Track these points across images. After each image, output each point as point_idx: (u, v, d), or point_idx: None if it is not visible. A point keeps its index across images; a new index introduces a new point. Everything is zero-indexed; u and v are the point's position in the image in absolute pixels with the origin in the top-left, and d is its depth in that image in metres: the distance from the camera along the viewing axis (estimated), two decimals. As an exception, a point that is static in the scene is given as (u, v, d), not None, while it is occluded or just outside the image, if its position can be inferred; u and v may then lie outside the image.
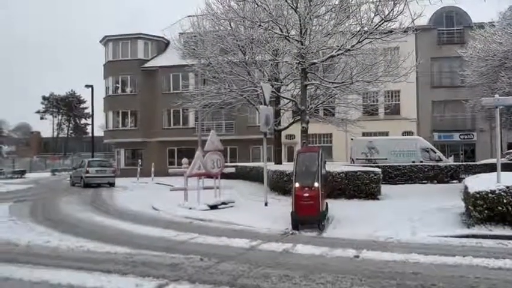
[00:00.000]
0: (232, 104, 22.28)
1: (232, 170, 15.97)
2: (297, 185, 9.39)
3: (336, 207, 12.31)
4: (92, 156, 38.70)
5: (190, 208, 12.90)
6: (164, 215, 12.66)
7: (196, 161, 13.19)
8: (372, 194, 14.47)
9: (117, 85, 38.57)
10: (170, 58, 35.98)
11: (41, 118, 72.26)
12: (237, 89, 19.94)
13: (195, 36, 22.53)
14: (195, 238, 8.85)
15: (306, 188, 9.30)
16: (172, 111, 36.13)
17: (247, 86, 19.77)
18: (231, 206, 13.18)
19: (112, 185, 25.90)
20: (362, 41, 15.29)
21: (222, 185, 14.11)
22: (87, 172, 25.56)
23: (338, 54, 15.98)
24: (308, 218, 9.30)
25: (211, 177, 13.91)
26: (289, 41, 15.89)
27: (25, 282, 5.90)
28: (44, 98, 71.31)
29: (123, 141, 38.11)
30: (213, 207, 12.69)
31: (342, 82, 17.07)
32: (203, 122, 28.62)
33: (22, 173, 44.61)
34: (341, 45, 15.34)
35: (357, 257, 6.97)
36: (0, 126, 71.66)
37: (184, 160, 14.91)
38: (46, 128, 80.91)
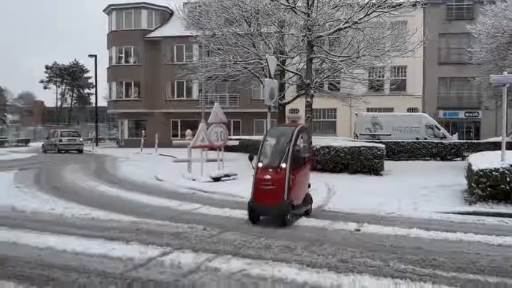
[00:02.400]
0: (237, 76, 22.07)
1: (236, 143, 16.01)
2: (259, 165, 7.53)
3: (339, 181, 12.40)
4: (96, 127, 39.20)
5: (194, 179, 12.99)
6: (168, 185, 12.77)
7: (200, 133, 13.19)
8: (375, 170, 14.50)
9: (120, 55, 38.22)
10: (174, 29, 35.37)
11: (45, 88, 72.00)
12: (242, 61, 19.71)
13: (199, 6, 22.13)
14: (198, 209, 8.94)
15: (270, 170, 7.36)
16: (175, 82, 35.84)
17: (252, 58, 19.53)
18: (234, 179, 13.26)
19: (80, 152, 30.22)
20: (369, 14, 15.00)
21: (225, 157, 14.16)
22: (60, 141, 30.21)
23: (345, 28, 15.71)
24: (268, 207, 7.37)
25: (215, 150, 13.96)
26: (295, 12, 15.60)
27: (31, 247, 6.00)
28: (47, 67, 70.80)
29: (126, 111, 38.08)
30: (216, 179, 12.78)
31: (349, 56, 16.83)
32: (207, 95, 28.48)
33: (26, 141, 45.03)
34: (349, 18, 15.05)
35: (358, 230, 7.03)
36: (3, 95, 71.49)
37: (188, 132, 14.96)
38: (50, 97, 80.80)
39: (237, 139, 18.19)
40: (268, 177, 7.33)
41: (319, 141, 16.53)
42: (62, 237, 6.50)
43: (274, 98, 13.86)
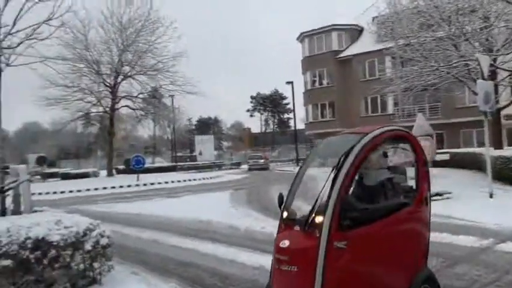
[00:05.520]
0: (437, 84, 20.14)
1: (446, 157, 14.34)
2: (284, 214, 4.09)
3: None
4: (296, 149, 41.68)
5: (399, 199, 12.02)
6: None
7: (403, 148, 12.22)
8: None
9: (314, 79, 39.73)
10: (364, 45, 35.12)
11: (251, 116, 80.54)
12: (444, 66, 17.84)
13: (391, 16, 21.24)
14: None
15: (297, 227, 3.77)
16: (369, 98, 35.15)
17: (455, 61, 17.49)
18: (447, 198, 11.73)
19: (265, 169, 39.39)
20: None
21: (433, 174, 12.75)
22: (248, 162, 43.01)
23: None
24: None
25: (421, 166, 12.73)
26: (508, 1, 13.29)
27: (247, 266, 6.28)
28: (252, 97, 79.20)
29: (322, 132, 38.92)
30: (425, 198, 11.52)
31: None
32: (403, 107, 26.88)
33: (238, 164, 50.87)
34: None
35: None
36: (219, 126, 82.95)
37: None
38: (255, 124, 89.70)
39: (445, 152, 16.26)
40: (285, 243, 3.62)
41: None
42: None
43: (490, 102, 11.95)
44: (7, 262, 4.14)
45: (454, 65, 17.62)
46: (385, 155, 4.31)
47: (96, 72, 32.45)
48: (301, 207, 3.98)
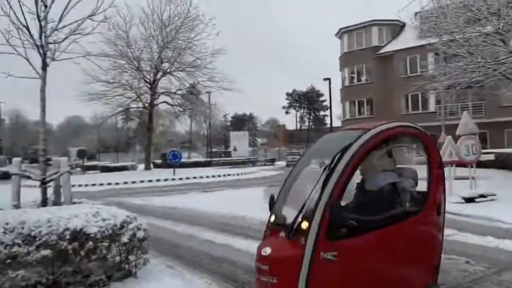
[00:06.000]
0: (482, 81, 19.26)
1: (491, 157, 13.69)
2: (271, 218, 3.89)
3: None
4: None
5: (440, 200, 11.57)
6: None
7: (447, 146, 11.75)
8: None
9: (352, 75, 38.98)
10: (406, 41, 34.07)
11: (286, 113, 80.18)
12: (491, 62, 17.00)
13: (435, 10, 20.47)
14: (453, 235, 7.62)
15: (282, 234, 3.44)
16: (409, 96, 34.13)
17: (503, 57, 16.63)
18: (492, 200, 11.16)
19: None
20: None
21: (477, 175, 12.20)
22: (287, 158, 44.27)
23: None
24: None
25: (464, 166, 12.20)
26: None
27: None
28: (287, 94, 78.81)
29: (359, 130, 38.34)
30: (469, 200, 11.00)
31: None
32: (446, 105, 25.94)
33: (273, 161, 50.85)
34: None
35: None
36: (254, 122, 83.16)
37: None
38: (290, 121, 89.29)
39: (490, 153, 15.50)
40: (267, 251, 3.31)
41: None
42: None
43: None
44: (46, 252, 4.23)
45: (502, 61, 16.77)
46: (389, 155, 3.79)
47: (136, 69, 33.19)
48: (291, 211, 3.46)
